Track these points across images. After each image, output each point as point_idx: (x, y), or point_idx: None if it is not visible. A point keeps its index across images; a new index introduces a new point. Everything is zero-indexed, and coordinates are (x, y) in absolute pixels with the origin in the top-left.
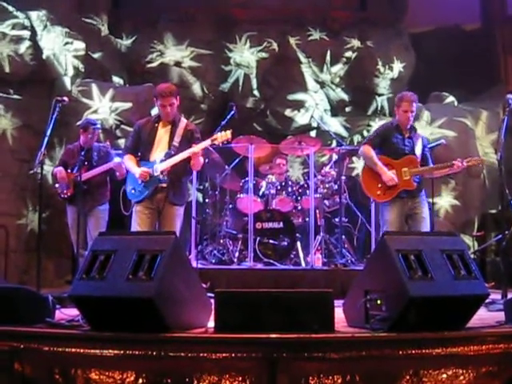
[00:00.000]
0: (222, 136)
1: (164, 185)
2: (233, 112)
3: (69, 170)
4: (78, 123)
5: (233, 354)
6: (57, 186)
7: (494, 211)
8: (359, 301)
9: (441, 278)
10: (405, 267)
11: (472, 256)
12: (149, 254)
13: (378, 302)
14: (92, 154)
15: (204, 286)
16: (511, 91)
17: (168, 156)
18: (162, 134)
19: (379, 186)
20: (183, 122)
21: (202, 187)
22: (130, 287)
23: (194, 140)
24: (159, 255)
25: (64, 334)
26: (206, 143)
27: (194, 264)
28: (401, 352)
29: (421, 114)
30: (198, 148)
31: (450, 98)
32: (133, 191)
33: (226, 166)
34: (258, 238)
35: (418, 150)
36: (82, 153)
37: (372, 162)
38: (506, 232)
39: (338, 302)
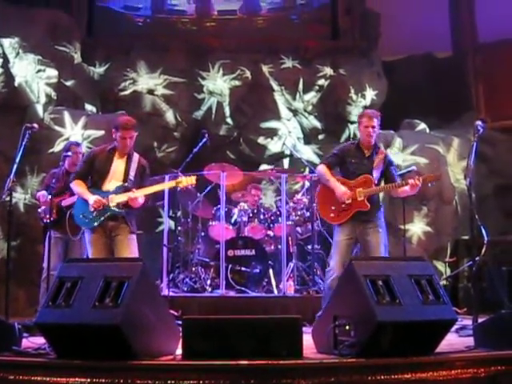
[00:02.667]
0: (188, 180)
1: (119, 215)
2: (205, 139)
3: (50, 196)
4: (62, 149)
5: (201, 382)
6: (39, 210)
7: (466, 237)
8: (328, 326)
9: (409, 303)
10: (373, 292)
11: (444, 282)
12: (115, 280)
13: (347, 327)
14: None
15: (175, 313)
16: (481, 118)
17: (124, 189)
18: (118, 165)
19: (333, 208)
20: (136, 156)
21: (173, 215)
22: (96, 314)
23: (145, 176)
24: (126, 282)
25: (30, 362)
26: (171, 184)
27: (166, 292)
28: (370, 377)
29: (393, 140)
30: (163, 186)
31: (422, 125)
32: (82, 217)
33: (198, 194)
34: (230, 266)
35: (377, 170)
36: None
37: (325, 178)
38: (477, 258)
39: (310, 329)
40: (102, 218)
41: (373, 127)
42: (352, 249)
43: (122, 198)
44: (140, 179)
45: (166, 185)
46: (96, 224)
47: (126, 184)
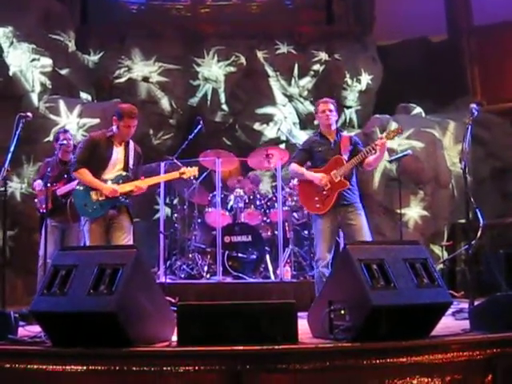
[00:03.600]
0: (190, 171)
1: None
2: (200, 126)
3: (48, 184)
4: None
5: (196, 367)
6: (35, 200)
7: (463, 221)
8: (323, 311)
9: (403, 287)
10: (367, 277)
11: (441, 266)
12: (110, 267)
13: (342, 312)
14: (70, 166)
15: (172, 300)
16: (475, 101)
17: (126, 178)
18: (117, 153)
19: (316, 199)
20: (132, 143)
21: (170, 202)
22: (91, 302)
23: (140, 164)
24: (120, 269)
25: (26, 351)
26: (174, 175)
27: (163, 279)
28: (365, 362)
29: (388, 125)
30: (164, 178)
31: (418, 109)
32: (85, 207)
33: (194, 181)
34: (227, 252)
35: (346, 150)
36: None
37: (299, 174)
38: (473, 241)
39: (306, 314)
40: (107, 209)
41: (330, 111)
42: (335, 235)
43: (128, 187)
44: (136, 168)
45: (170, 176)
46: (100, 214)
47: (128, 173)
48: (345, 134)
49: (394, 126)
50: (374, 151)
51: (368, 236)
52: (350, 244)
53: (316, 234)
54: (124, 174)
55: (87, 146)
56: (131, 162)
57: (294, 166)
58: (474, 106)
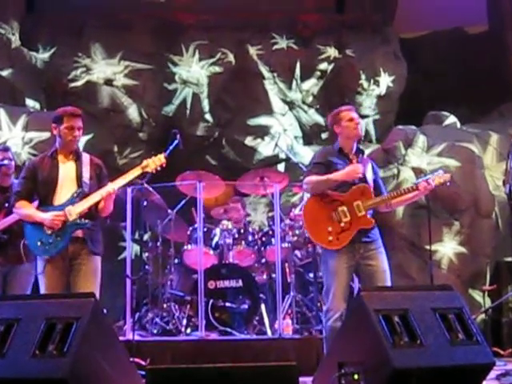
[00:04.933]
0: (155, 161)
1: (81, 232)
2: (177, 142)
3: None
4: None
5: None
6: None
7: (509, 259)
8: (332, 376)
9: (433, 344)
10: (387, 332)
11: (483, 316)
12: (61, 322)
13: (355, 376)
14: (11, 193)
15: (142, 363)
16: None
17: (81, 195)
18: (66, 170)
19: (329, 229)
20: (86, 155)
21: (139, 238)
22: (36, 365)
23: (102, 176)
24: (74, 324)
25: None
26: (136, 171)
27: (130, 336)
28: None
29: (415, 138)
30: (124, 179)
31: (452, 119)
32: (41, 245)
33: (170, 210)
34: (212, 301)
35: (370, 177)
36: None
37: (322, 181)
38: None
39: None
40: (67, 239)
41: (357, 118)
42: (351, 278)
43: (83, 205)
44: (98, 180)
45: (132, 173)
46: (59, 249)
47: (82, 189)
48: (366, 156)
49: (422, 141)
50: (414, 191)
51: (388, 281)
52: (364, 290)
53: (327, 277)
54: (78, 190)
55: (26, 174)
56: (86, 175)
57: (313, 177)
58: None
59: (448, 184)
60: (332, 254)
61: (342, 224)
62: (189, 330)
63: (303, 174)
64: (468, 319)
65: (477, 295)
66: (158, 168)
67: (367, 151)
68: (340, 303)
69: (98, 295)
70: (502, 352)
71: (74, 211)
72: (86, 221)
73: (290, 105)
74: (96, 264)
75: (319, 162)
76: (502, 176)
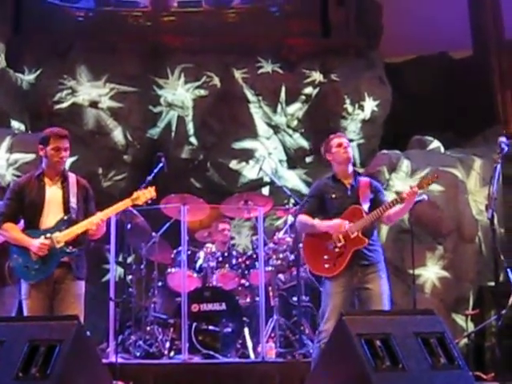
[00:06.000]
0: (145, 194)
1: (68, 258)
2: (162, 164)
3: None
4: None
5: None
6: None
7: (492, 284)
8: None
9: (415, 369)
10: (369, 356)
11: (466, 340)
12: (44, 344)
13: None
14: None
15: None
16: (506, 133)
17: (69, 221)
18: (53, 193)
19: (326, 257)
20: (73, 176)
21: (123, 260)
22: None
23: (89, 199)
24: (57, 346)
25: None
26: (125, 204)
27: (113, 358)
28: None
29: (399, 163)
30: (114, 210)
31: (436, 143)
32: (26, 270)
33: (154, 233)
34: (195, 324)
35: (365, 199)
36: None
37: (309, 225)
38: (504, 309)
39: None
40: (54, 266)
41: (346, 143)
42: (349, 303)
43: (70, 233)
44: (85, 204)
45: (122, 205)
46: (47, 274)
47: (70, 215)
48: (363, 177)
49: (406, 166)
50: (400, 203)
51: (387, 306)
52: (347, 315)
53: (324, 300)
54: (65, 217)
55: (11, 196)
56: (73, 200)
57: (303, 218)
58: (503, 139)
59: (425, 198)
60: (329, 278)
61: (337, 250)
62: (172, 353)
63: (298, 211)
64: (450, 343)
65: (460, 320)
66: (149, 201)
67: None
68: (332, 326)
69: (82, 319)
70: (484, 376)
71: (62, 239)
72: (74, 249)
73: (275, 128)
74: (80, 289)
75: (313, 196)
76: (485, 201)
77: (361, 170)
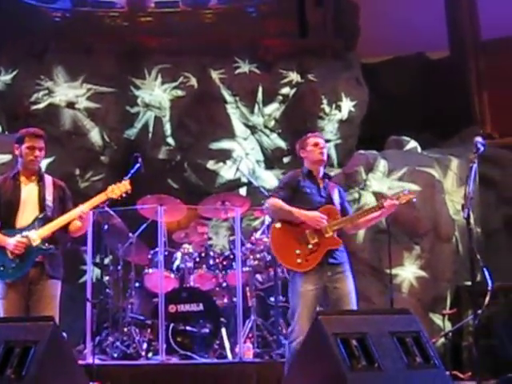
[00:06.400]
0: (120, 187)
1: (41, 256)
2: (138, 165)
3: None
4: None
5: None
6: None
7: (470, 283)
8: None
9: (391, 368)
10: (345, 355)
11: (443, 339)
12: (19, 346)
13: None
14: None
15: None
16: (482, 133)
17: (45, 219)
18: (28, 192)
19: (297, 252)
20: (49, 178)
21: (100, 261)
22: None
23: (66, 198)
24: (32, 347)
25: None
26: (101, 198)
27: (91, 359)
28: None
29: (376, 163)
30: (89, 206)
31: (412, 144)
32: (3, 268)
33: (131, 234)
34: (172, 325)
35: (337, 200)
36: None
37: (285, 211)
38: (480, 309)
39: None
40: (30, 264)
41: (322, 143)
42: (319, 301)
43: (47, 230)
44: (61, 203)
45: (97, 199)
46: (23, 272)
47: (45, 212)
48: (332, 183)
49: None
50: (376, 211)
51: (354, 304)
52: (323, 314)
53: (293, 298)
54: (41, 215)
55: None
56: (49, 198)
57: (278, 202)
58: (479, 139)
59: (414, 200)
60: (299, 276)
61: (310, 246)
62: (149, 354)
63: (269, 194)
64: (426, 343)
65: (437, 319)
66: (124, 194)
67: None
68: (305, 325)
69: (57, 319)
70: (461, 376)
71: (38, 236)
72: (50, 246)
73: (252, 129)
74: (55, 289)
75: (287, 184)
76: (461, 200)
77: (338, 171)
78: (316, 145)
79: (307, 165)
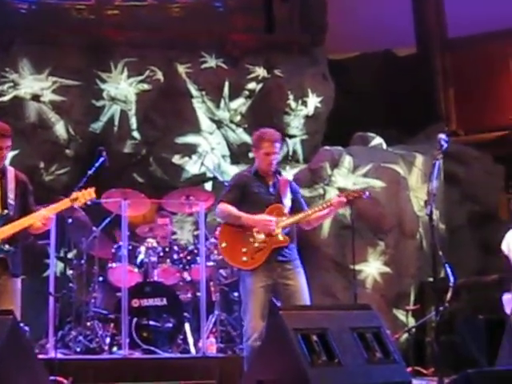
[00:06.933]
0: (85, 195)
1: (4, 255)
2: (103, 159)
3: None
4: None
5: None
6: None
7: (433, 279)
8: None
9: (351, 363)
10: (305, 350)
11: (407, 335)
12: None
13: None
14: None
15: (65, 381)
16: (445, 130)
17: (6, 218)
18: None
19: (244, 250)
20: (11, 171)
21: (63, 255)
22: None
23: (28, 194)
24: None
25: None
26: (65, 204)
27: (53, 354)
28: None
29: (341, 159)
30: (51, 210)
31: (378, 140)
32: None
33: (94, 228)
34: (136, 320)
35: (286, 198)
36: None
37: (233, 216)
38: (441, 306)
39: None
40: None
41: (274, 154)
42: (270, 298)
43: (8, 231)
44: (22, 198)
45: (61, 205)
46: None
47: (7, 211)
48: (283, 177)
49: (348, 162)
50: (326, 208)
51: (307, 300)
52: (283, 310)
53: (245, 297)
54: (3, 213)
55: None
56: (11, 195)
57: (227, 207)
58: (442, 136)
59: (365, 197)
60: (248, 274)
61: (257, 244)
62: (112, 349)
63: (219, 199)
64: (386, 338)
65: (401, 315)
66: (88, 202)
67: (294, 171)
68: (258, 322)
69: (18, 314)
70: (424, 371)
71: None
72: (10, 247)
73: (218, 124)
74: (16, 286)
75: (235, 185)
76: (426, 197)
77: (303, 166)
78: (268, 154)
79: (258, 163)
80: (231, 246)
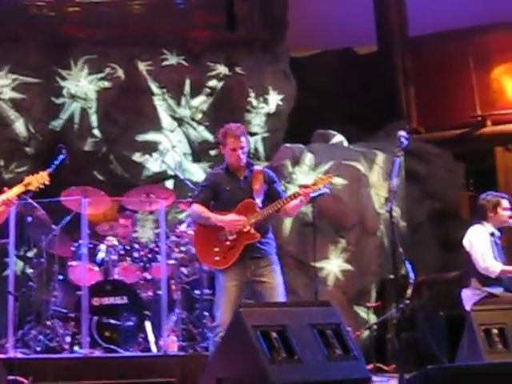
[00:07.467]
0: (38, 178)
1: None
2: (63, 157)
3: None
4: None
5: None
6: None
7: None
8: None
9: (311, 360)
10: (265, 347)
11: (367, 332)
12: None
13: None
14: None
15: (25, 381)
16: (406, 128)
17: None
18: None
19: (216, 249)
20: None
21: (22, 253)
22: None
23: None
24: None
25: None
26: (18, 189)
27: (12, 353)
28: None
29: (302, 156)
30: (12, 193)
31: (339, 137)
32: None
33: (54, 226)
34: (96, 318)
35: (258, 192)
36: None
37: (204, 217)
38: (401, 303)
39: None
40: None
41: (241, 148)
42: (243, 295)
43: None
44: None
45: (14, 191)
46: None
47: None
48: (257, 167)
49: (309, 159)
50: (294, 199)
51: (283, 297)
52: (243, 307)
53: (218, 293)
54: None
55: None
56: None
57: (198, 208)
58: (402, 133)
59: (327, 191)
60: (221, 272)
61: (228, 242)
62: (73, 348)
63: (191, 200)
64: (346, 335)
65: (362, 312)
66: (41, 186)
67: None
68: (227, 320)
69: None
70: (385, 368)
71: None
72: None
73: (179, 121)
74: None
75: (206, 186)
76: (387, 194)
77: (265, 164)
78: (234, 150)
79: (227, 160)
80: (204, 246)
